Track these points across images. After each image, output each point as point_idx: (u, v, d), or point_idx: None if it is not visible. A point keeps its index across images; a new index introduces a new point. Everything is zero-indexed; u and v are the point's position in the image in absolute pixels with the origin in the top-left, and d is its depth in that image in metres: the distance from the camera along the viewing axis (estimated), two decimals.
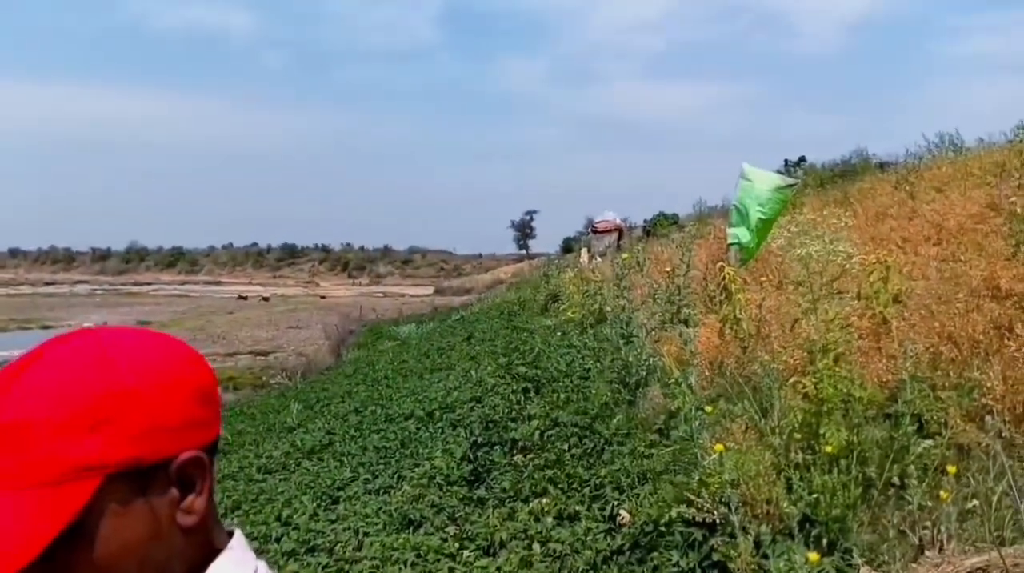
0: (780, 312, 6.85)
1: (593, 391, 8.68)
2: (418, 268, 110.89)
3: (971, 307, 6.00)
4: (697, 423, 5.31)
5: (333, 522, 7.33)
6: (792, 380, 5.18)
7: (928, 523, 3.78)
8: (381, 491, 7.99)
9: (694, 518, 4.69)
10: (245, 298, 73.44)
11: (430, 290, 75.41)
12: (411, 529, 6.55)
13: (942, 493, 3.70)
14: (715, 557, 4.46)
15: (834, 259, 5.30)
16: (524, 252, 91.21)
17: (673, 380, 5.73)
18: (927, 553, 3.74)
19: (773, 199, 10.56)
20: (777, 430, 4.95)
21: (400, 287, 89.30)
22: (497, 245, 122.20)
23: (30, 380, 0.86)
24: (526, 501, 6.41)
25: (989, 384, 4.75)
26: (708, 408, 5.45)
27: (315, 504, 8.06)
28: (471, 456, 7.87)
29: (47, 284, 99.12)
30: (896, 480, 4.30)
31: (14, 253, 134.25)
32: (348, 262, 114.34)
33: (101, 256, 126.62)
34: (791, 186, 11.55)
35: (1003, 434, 4.16)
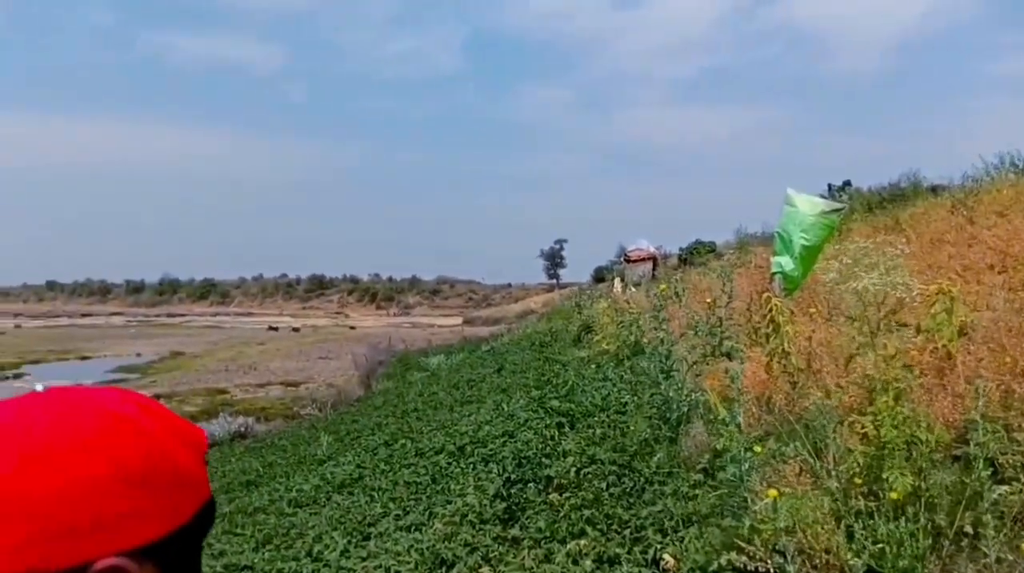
0: (832, 346, 6.51)
1: (631, 427, 8.43)
2: (447, 298, 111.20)
3: None
4: (746, 465, 5.01)
5: (364, 560, 7.18)
6: (849, 420, 4.86)
7: None
8: (413, 528, 7.84)
9: (746, 567, 4.41)
10: (276, 329, 74.05)
11: (459, 320, 75.54)
12: (444, 569, 6.40)
13: (1022, 545, 3.39)
14: None
15: (892, 291, 4.99)
16: (554, 282, 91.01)
17: (718, 418, 5.44)
18: None
19: (818, 225, 10.18)
20: (835, 473, 4.64)
21: (429, 318, 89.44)
22: (526, 274, 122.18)
23: None
24: (563, 542, 6.19)
25: None
26: (757, 448, 5.15)
27: (346, 540, 7.95)
28: (504, 493, 7.67)
29: (84, 315, 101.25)
30: (969, 529, 3.98)
31: (51, 285, 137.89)
32: (376, 293, 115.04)
33: (135, 288, 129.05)
34: (837, 211, 11.14)
35: None
